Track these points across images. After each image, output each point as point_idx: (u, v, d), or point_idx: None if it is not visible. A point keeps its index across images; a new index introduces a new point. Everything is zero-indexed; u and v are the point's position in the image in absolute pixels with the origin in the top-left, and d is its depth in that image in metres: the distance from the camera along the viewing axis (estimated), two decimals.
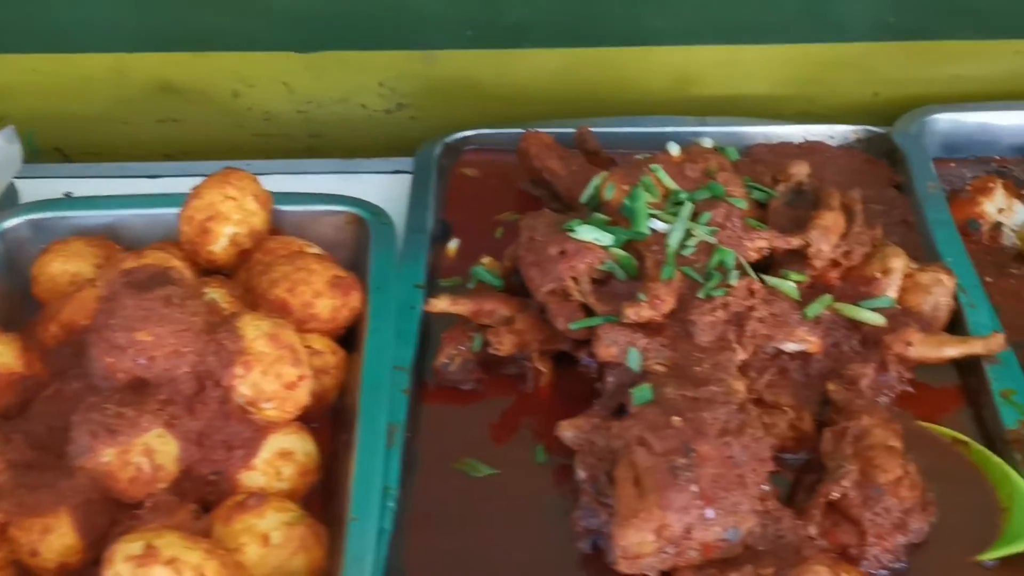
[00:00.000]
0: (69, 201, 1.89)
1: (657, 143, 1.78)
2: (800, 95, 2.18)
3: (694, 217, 1.57)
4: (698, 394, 1.36)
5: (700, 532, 1.26)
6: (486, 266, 1.73)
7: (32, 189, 2.00)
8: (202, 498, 1.45)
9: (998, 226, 1.87)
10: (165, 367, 1.44)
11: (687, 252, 1.53)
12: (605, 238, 1.53)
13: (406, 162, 2.04)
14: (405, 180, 1.99)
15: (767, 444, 1.35)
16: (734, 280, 1.49)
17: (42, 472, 1.41)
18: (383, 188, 1.99)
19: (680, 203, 1.58)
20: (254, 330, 1.47)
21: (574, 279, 1.53)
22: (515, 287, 1.68)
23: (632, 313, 1.45)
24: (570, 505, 1.42)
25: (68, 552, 1.37)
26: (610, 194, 1.61)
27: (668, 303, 1.47)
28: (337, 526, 1.43)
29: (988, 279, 1.79)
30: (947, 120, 2.07)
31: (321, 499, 1.52)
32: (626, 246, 1.55)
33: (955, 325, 1.65)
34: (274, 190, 1.82)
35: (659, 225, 1.55)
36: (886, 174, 1.97)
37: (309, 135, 2.23)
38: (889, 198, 1.92)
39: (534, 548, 1.41)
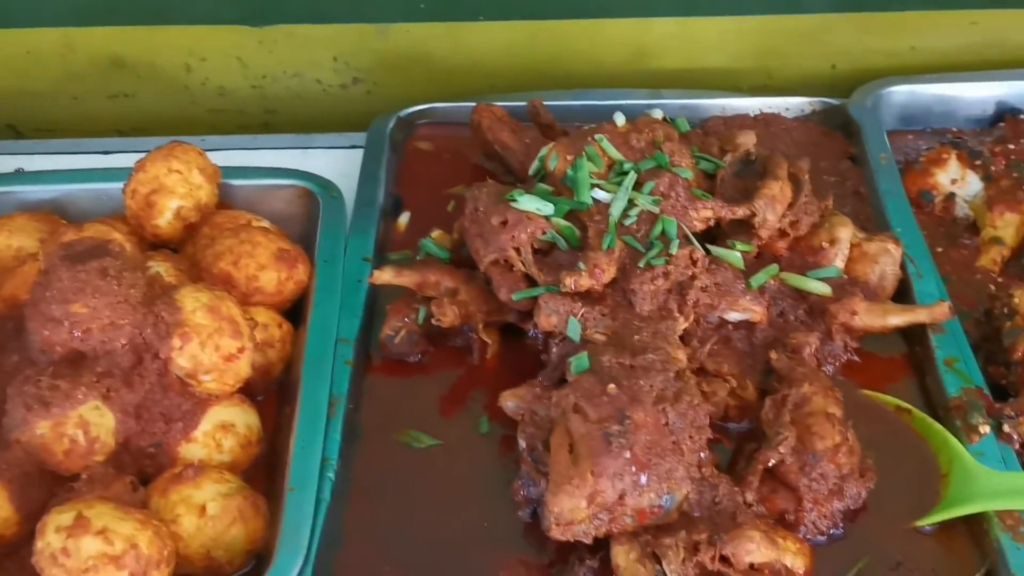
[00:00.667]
0: (13, 176, 1.87)
1: (611, 115, 1.76)
2: (758, 68, 2.17)
3: (638, 187, 1.56)
4: (635, 362, 1.36)
5: (634, 498, 1.26)
6: (435, 239, 1.72)
7: None
8: (141, 471, 1.44)
9: (951, 197, 1.87)
10: (102, 339, 1.42)
11: (629, 222, 1.52)
12: (546, 208, 1.52)
13: (362, 137, 2.02)
14: (361, 155, 1.97)
15: (704, 411, 1.35)
16: (675, 249, 1.48)
17: None
18: (338, 163, 1.97)
19: (624, 173, 1.57)
20: (193, 302, 1.46)
21: (516, 249, 1.52)
22: (464, 260, 1.67)
23: (571, 282, 1.44)
24: (512, 475, 1.42)
25: (3, 525, 1.36)
26: (554, 164, 1.60)
27: (608, 272, 1.46)
28: (279, 498, 1.42)
29: (939, 249, 1.80)
30: (904, 92, 2.06)
31: (266, 472, 1.52)
32: (569, 216, 1.55)
33: (902, 294, 1.65)
34: (228, 165, 1.81)
35: (601, 195, 1.54)
36: (840, 146, 1.97)
37: (264, 110, 2.22)
38: (842, 170, 1.92)
39: (475, 518, 1.41)
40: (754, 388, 1.50)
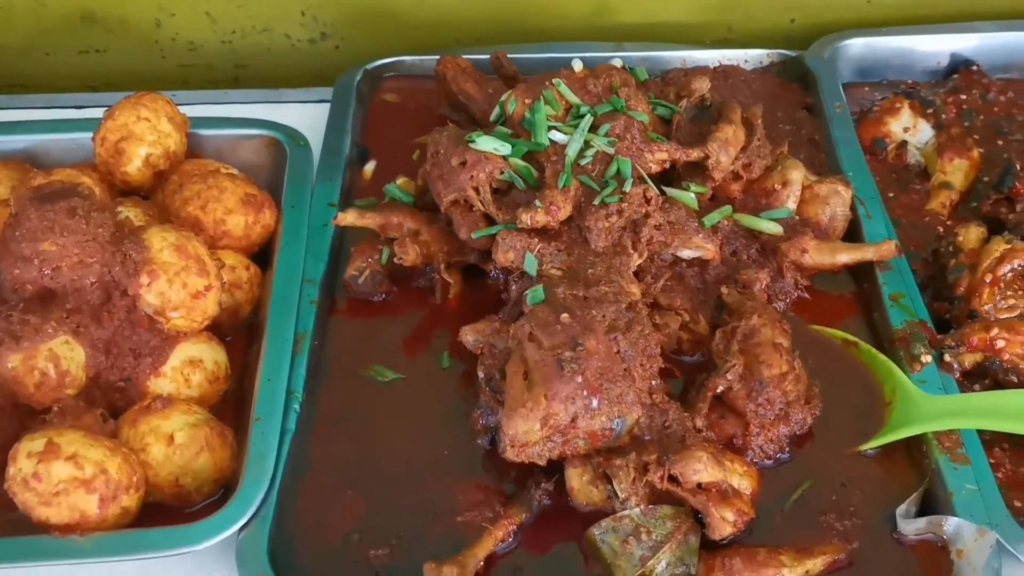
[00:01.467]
0: None
1: None
2: (718, 22, 2.21)
3: (594, 129, 1.60)
4: (589, 293, 1.40)
5: (585, 421, 1.31)
6: (400, 186, 1.75)
7: None
8: (111, 405, 1.48)
9: (903, 144, 1.92)
10: (71, 277, 1.46)
11: (585, 162, 1.56)
12: (504, 148, 1.56)
13: (330, 92, 2.04)
14: (328, 109, 2.01)
15: (656, 341, 1.40)
16: (629, 187, 1.52)
17: None
18: (307, 117, 2.00)
19: (581, 116, 1.61)
20: (160, 241, 1.50)
21: (475, 189, 1.56)
22: (428, 207, 1.71)
23: (527, 218, 1.48)
24: (471, 407, 1.47)
25: None
26: (512, 107, 1.64)
27: (564, 210, 1.50)
28: (247, 432, 1.46)
29: (891, 194, 1.85)
30: (860, 44, 2.10)
31: (234, 409, 1.56)
32: (527, 157, 1.59)
33: (853, 235, 1.71)
34: (198, 116, 1.84)
35: (558, 136, 1.59)
36: (797, 97, 2.02)
37: (234, 66, 2.24)
38: (798, 119, 1.97)
39: (435, 446, 1.45)
40: (706, 323, 1.55)
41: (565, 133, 1.59)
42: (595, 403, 1.31)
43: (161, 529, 1.31)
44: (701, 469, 1.29)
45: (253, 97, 2.12)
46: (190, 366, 1.51)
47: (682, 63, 2.07)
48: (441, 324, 1.63)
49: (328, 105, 2.01)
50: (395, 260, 1.60)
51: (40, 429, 1.36)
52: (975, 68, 2.07)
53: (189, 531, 1.31)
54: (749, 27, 2.21)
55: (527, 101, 1.63)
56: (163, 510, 1.40)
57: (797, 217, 1.67)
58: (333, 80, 2.06)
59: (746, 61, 2.08)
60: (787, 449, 1.42)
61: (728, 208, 1.64)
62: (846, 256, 1.62)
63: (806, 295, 1.63)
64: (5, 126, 1.90)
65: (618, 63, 1.85)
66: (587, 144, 1.58)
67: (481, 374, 1.45)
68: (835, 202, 1.68)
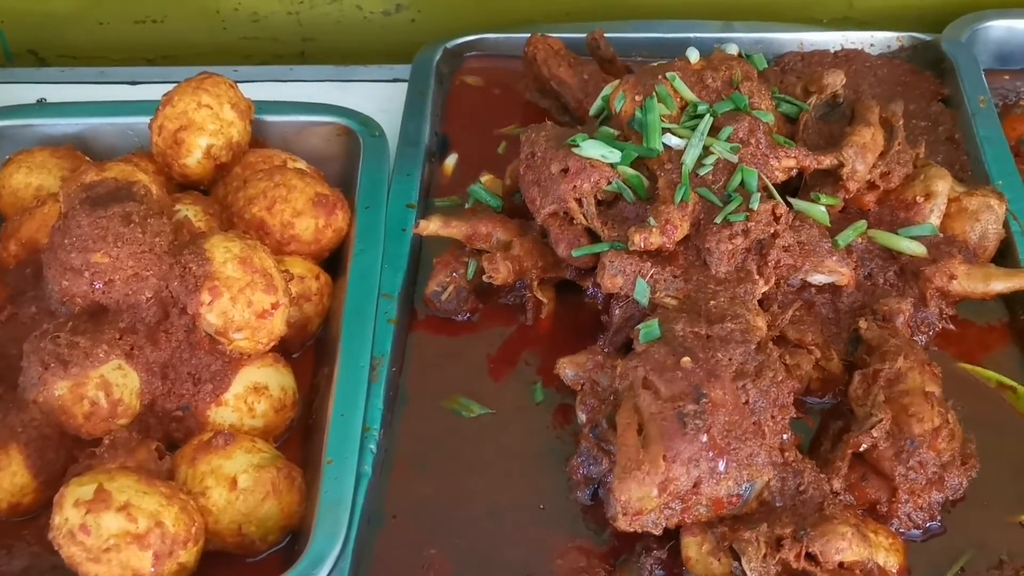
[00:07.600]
0: (34, 108, 1.75)
1: (678, 50, 1.59)
2: None
3: (714, 132, 1.40)
4: (712, 331, 1.22)
5: (710, 487, 1.13)
6: (485, 185, 1.58)
7: (5, 95, 1.86)
8: (168, 435, 1.34)
9: None
10: (125, 292, 1.31)
11: (704, 171, 1.37)
12: (612, 155, 1.37)
13: (405, 70, 1.88)
14: (403, 89, 1.83)
15: (788, 388, 1.21)
16: (756, 204, 1.32)
17: None
18: (379, 97, 1.84)
19: (698, 116, 1.41)
20: (223, 252, 1.33)
21: (578, 200, 1.37)
22: (517, 208, 1.53)
23: (640, 239, 1.29)
24: (569, 450, 1.30)
25: (20, 492, 1.27)
26: (620, 105, 1.44)
27: (681, 229, 1.31)
28: (316, 467, 1.31)
29: None
30: (1002, 27, 1.88)
31: (301, 436, 1.41)
32: (636, 164, 1.40)
33: (1004, 255, 1.49)
34: (262, 98, 1.68)
35: (674, 141, 1.39)
36: (931, 86, 1.79)
37: (301, 39, 2.07)
38: (934, 113, 1.74)
39: (529, 495, 1.29)
40: (839, 359, 1.35)
41: (681, 137, 1.39)
42: (722, 466, 1.13)
43: None
44: (845, 547, 1.11)
45: (320, 74, 1.97)
46: (254, 393, 1.35)
47: (799, 46, 1.85)
48: (532, 346, 1.46)
49: (401, 85, 1.85)
50: (484, 278, 1.41)
51: (89, 468, 1.22)
52: None
53: None
54: (872, 4, 1.98)
55: (637, 98, 1.43)
56: (223, 557, 1.26)
57: (941, 235, 1.46)
58: (407, 57, 1.89)
59: (872, 45, 1.85)
60: (938, 517, 1.23)
61: (863, 224, 1.44)
62: (1001, 284, 1.41)
63: (951, 326, 1.43)
64: (55, 108, 1.75)
65: (733, 49, 1.63)
66: (706, 150, 1.38)
67: (583, 416, 1.28)
68: (986, 218, 1.47)
